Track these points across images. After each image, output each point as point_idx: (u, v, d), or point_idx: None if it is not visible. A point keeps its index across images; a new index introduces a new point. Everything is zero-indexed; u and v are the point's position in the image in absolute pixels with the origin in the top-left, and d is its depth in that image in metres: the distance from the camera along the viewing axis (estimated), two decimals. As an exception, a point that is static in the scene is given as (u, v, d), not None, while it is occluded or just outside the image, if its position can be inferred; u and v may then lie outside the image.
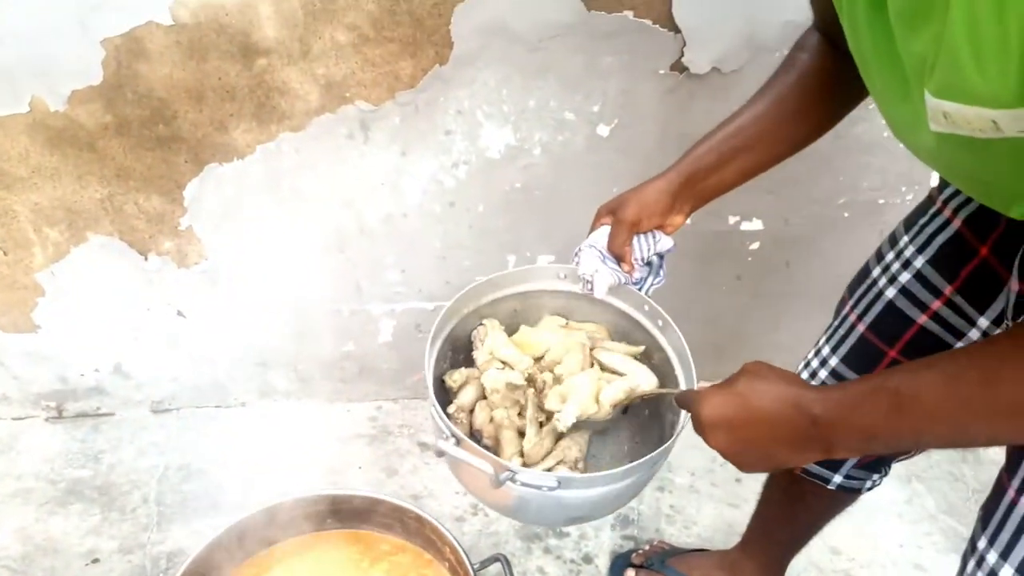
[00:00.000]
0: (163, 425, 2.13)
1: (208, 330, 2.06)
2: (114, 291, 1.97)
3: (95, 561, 1.73)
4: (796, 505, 1.40)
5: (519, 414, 1.14)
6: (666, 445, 1.02)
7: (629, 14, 1.64)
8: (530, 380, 1.14)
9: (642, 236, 1.14)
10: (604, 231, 1.13)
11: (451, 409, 1.16)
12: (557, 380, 1.12)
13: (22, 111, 1.69)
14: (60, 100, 1.68)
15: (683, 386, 1.11)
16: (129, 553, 1.75)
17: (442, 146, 1.82)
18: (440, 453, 1.00)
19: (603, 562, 1.73)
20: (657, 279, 1.21)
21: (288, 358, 2.12)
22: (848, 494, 1.33)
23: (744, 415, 0.80)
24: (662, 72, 1.73)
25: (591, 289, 1.15)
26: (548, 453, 1.11)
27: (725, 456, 0.85)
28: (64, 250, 1.90)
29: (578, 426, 1.12)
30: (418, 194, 1.88)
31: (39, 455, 2.03)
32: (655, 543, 1.72)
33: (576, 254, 1.17)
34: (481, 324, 1.22)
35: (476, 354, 1.19)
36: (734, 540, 1.61)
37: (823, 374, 1.23)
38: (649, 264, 1.18)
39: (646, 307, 1.17)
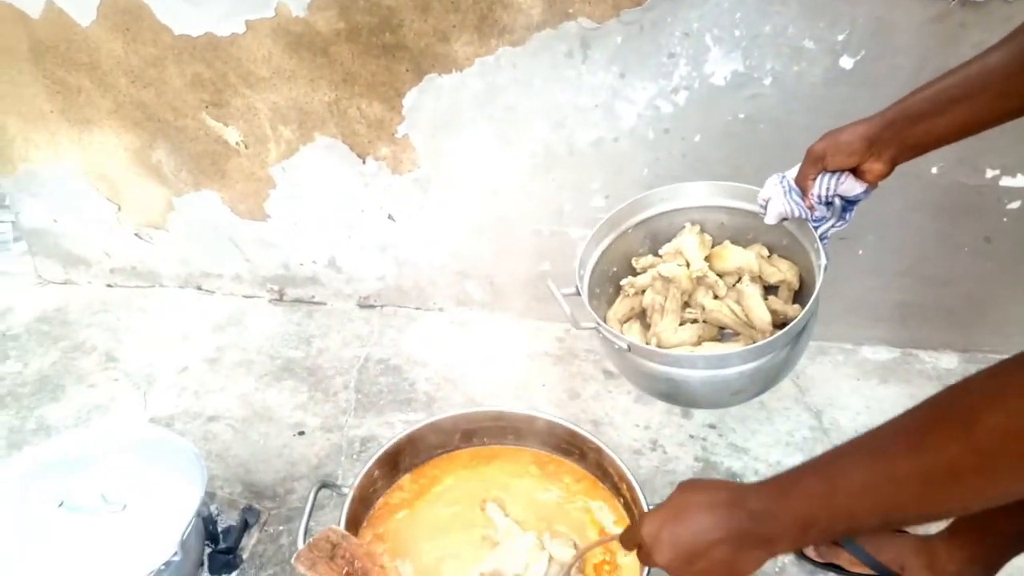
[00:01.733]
0: (367, 320, 2.27)
1: (415, 236, 2.15)
2: (334, 190, 2.10)
3: (301, 433, 1.90)
4: None
5: (686, 305, 1.26)
6: (744, 348, 1.06)
7: (898, -75, 1.43)
8: (699, 280, 1.23)
9: (827, 175, 1.09)
10: None
11: (623, 282, 1.29)
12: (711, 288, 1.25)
13: (269, 15, 1.80)
14: (301, 6, 1.77)
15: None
16: (329, 432, 1.90)
17: (663, 69, 1.72)
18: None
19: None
20: (839, 223, 1.15)
21: (486, 270, 2.17)
22: None
23: (681, 523, 0.78)
24: (929, -4, 1.51)
25: (764, 212, 1.17)
26: (683, 343, 1.20)
27: (662, 557, 0.80)
28: (294, 148, 2.04)
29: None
30: (632, 118, 1.80)
31: (261, 332, 2.25)
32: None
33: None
34: (684, 226, 1.30)
35: (665, 246, 1.29)
36: (938, 528, 1.46)
37: None
38: (831, 205, 1.12)
39: (815, 245, 1.15)
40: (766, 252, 1.27)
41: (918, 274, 1.89)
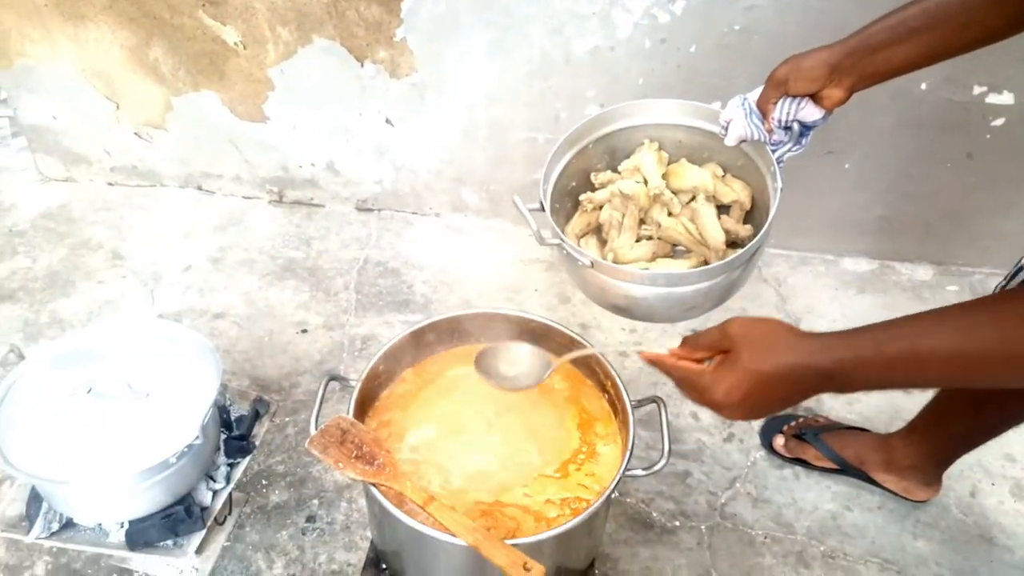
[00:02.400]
0: (365, 223, 2.33)
1: (412, 141, 2.18)
2: (332, 93, 2.12)
3: (304, 331, 1.99)
4: (988, 402, 1.33)
5: (642, 221, 1.29)
6: (703, 268, 1.11)
7: None
8: (656, 197, 1.27)
9: (788, 99, 1.11)
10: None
11: (582, 197, 1.32)
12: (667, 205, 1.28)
13: (265, -91, 1.77)
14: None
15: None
16: (331, 330, 2.00)
17: (663, -23, 1.72)
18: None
19: (756, 422, 1.77)
20: (796, 147, 1.17)
21: (482, 177, 2.22)
22: None
23: (760, 389, 0.82)
24: (931, -92, 1.50)
25: (725, 134, 1.19)
26: (638, 259, 1.25)
27: (737, 418, 0.87)
28: (292, 49, 2.04)
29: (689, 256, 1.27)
30: (629, 27, 1.81)
31: (262, 232, 2.31)
32: (811, 416, 1.72)
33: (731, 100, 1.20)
34: (643, 143, 1.32)
35: (624, 162, 1.31)
36: (897, 427, 1.58)
37: None
38: (789, 129, 1.15)
39: (771, 168, 1.18)
40: (721, 172, 1.30)
41: (901, 189, 1.95)
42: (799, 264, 2.13)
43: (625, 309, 1.20)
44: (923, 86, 1.75)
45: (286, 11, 1.96)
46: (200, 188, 2.44)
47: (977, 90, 1.73)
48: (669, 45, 1.82)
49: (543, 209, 1.21)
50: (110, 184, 2.46)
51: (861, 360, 0.77)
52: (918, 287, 2.06)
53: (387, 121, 2.14)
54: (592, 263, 1.13)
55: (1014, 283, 1.19)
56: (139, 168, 2.42)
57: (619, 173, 1.32)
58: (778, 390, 0.82)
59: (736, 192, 1.27)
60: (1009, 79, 1.69)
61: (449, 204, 2.31)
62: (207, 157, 2.36)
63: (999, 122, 1.76)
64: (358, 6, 1.91)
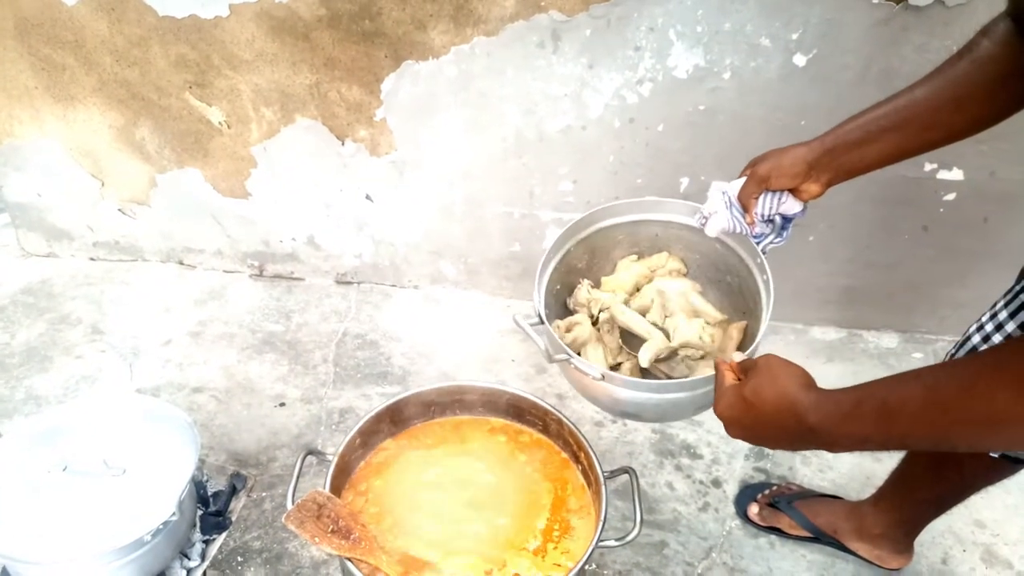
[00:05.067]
0: (344, 296, 2.36)
1: (391, 215, 2.23)
2: (313, 171, 2.18)
3: (282, 404, 2.00)
4: (947, 467, 1.37)
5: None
6: (698, 377, 1.12)
7: (848, -64, 1.53)
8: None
9: (770, 194, 1.16)
10: (743, 180, 1.18)
11: (560, 323, 1.31)
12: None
13: (252, 0, 1.86)
14: (283, -9, 1.83)
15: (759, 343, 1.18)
16: (309, 403, 2.00)
17: (629, 62, 1.81)
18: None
19: (731, 489, 1.78)
20: (778, 239, 1.22)
21: (460, 250, 2.27)
22: (1012, 465, 1.27)
23: (749, 418, 0.89)
24: (875, 1, 1.61)
25: (704, 225, 1.22)
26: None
27: (733, 434, 0.93)
28: (275, 128, 2.11)
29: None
30: (599, 108, 1.90)
31: (243, 306, 2.33)
32: (784, 484, 1.74)
33: (710, 190, 1.23)
34: (619, 238, 1.34)
35: (574, 298, 1.33)
36: (868, 494, 1.60)
37: (997, 338, 1.17)
38: (771, 222, 1.20)
39: (758, 260, 1.21)
40: (635, 256, 1.33)
41: (863, 260, 2.02)
42: (770, 333, 2.15)
43: (635, 415, 1.20)
44: (878, 163, 1.84)
45: (270, 92, 2.03)
46: (182, 263, 2.47)
47: (928, 167, 1.82)
48: (638, 124, 1.91)
49: (541, 322, 1.19)
50: (92, 259, 2.49)
51: (842, 415, 0.80)
52: (885, 355, 2.11)
53: (367, 197, 2.20)
54: (603, 375, 1.11)
55: (961, 352, 1.24)
56: (121, 243, 2.45)
57: (596, 289, 1.33)
58: (764, 427, 0.88)
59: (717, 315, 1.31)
60: (959, 156, 1.79)
61: (427, 276, 2.35)
62: (189, 232, 2.40)
63: (950, 197, 1.85)
64: (339, 87, 1.99)
